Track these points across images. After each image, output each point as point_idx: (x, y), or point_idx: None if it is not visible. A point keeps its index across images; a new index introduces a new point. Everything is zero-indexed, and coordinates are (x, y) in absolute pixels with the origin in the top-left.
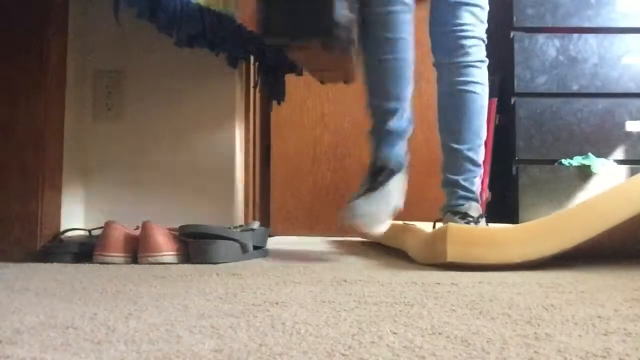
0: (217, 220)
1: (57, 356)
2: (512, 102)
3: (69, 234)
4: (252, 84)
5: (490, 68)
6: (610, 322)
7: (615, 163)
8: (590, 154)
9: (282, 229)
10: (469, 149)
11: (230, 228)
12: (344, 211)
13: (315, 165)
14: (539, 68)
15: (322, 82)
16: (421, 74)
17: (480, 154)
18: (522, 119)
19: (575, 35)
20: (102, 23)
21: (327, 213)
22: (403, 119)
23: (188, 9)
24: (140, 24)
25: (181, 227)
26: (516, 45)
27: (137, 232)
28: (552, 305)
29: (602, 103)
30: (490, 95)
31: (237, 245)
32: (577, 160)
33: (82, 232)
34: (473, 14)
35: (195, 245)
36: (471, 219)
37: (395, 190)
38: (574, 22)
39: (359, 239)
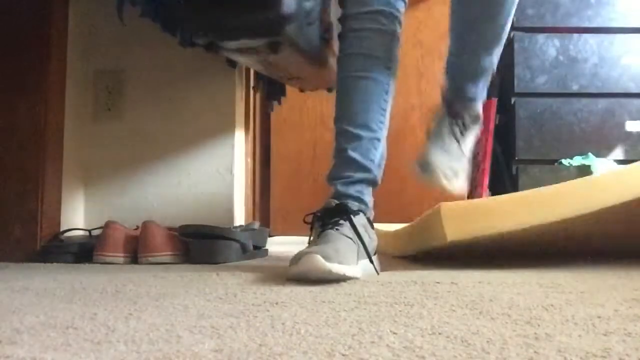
0: (217, 220)
1: (57, 356)
2: (512, 102)
3: (69, 234)
4: (252, 84)
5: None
6: (610, 322)
7: (615, 163)
8: (590, 154)
9: (282, 229)
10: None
11: (230, 228)
12: None
13: (315, 165)
14: (539, 68)
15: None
16: (422, 74)
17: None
18: (522, 119)
19: (575, 35)
20: (102, 23)
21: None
22: (369, 157)
23: None
24: (140, 24)
25: (181, 227)
26: (516, 45)
27: (137, 232)
28: (552, 305)
29: (602, 103)
30: (490, 96)
31: (237, 245)
32: (577, 160)
33: (82, 232)
34: None
35: (195, 245)
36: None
37: (350, 243)
38: (574, 22)
39: None
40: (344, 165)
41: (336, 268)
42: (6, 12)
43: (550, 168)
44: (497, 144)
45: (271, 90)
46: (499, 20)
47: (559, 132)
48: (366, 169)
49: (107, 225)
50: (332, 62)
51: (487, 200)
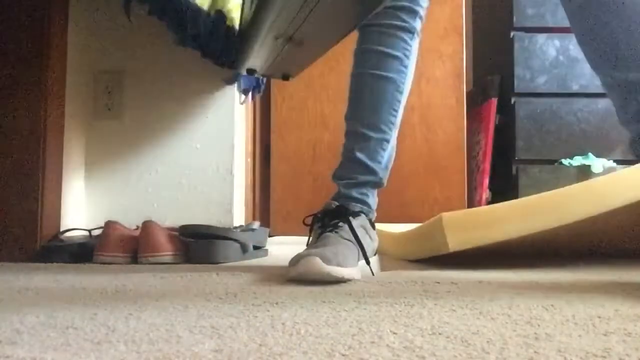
0: (217, 221)
1: (57, 356)
2: (512, 102)
3: (69, 233)
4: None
5: (490, 68)
6: (611, 322)
7: (615, 163)
8: (590, 154)
9: (282, 229)
10: None
11: (230, 228)
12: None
13: (315, 165)
14: (539, 68)
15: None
16: (422, 74)
17: None
18: (522, 119)
19: None
20: (102, 23)
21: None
22: (377, 158)
23: (191, 10)
24: (140, 24)
25: (181, 227)
26: (516, 45)
27: (137, 232)
28: (552, 305)
29: (602, 103)
30: (490, 96)
31: (237, 245)
32: (577, 160)
33: (82, 232)
34: None
35: (195, 245)
36: None
37: (349, 245)
38: None
39: None
40: (350, 166)
41: (335, 271)
42: (6, 12)
43: (550, 168)
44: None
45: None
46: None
47: (559, 132)
48: (372, 171)
49: (107, 225)
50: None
51: (487, 209)
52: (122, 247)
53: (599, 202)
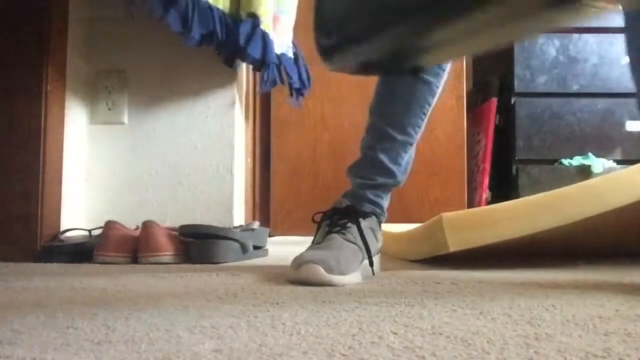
0: (217, 220)
1: (57, 356)
2: (512, 102)
3: (69, 233)
4: (252, 84)
5: (490, 68)
6: (611, 323)
7: (615, 163)
8: (590, 154)
9: (282, 229)
10: None
11: (230, 228)
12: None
13: (315, 165)
14: (539, 68)
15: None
16: None
17: None
18: (522, 119)
19: (575, 35)
20: (102, 23)
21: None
22: (398, 161)
23: (199, 7)
24: (140, 24)
25: (181, 227)
26: (516, 45)
27: (137, 232)
28: (552, 306)
29: (602, 103)
30: (490, 96)
31: (237, 245)
32: (577, 160)
33: (82, 232)
34: None
35: (195, 245)
36: None
37: (354, 249)
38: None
39: None
40: (369, 164)
41: (336, 279)
42: (6, 12)
43: (550, 168)
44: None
45: (301, 85)
46: None
47: (559, 132)
48: (391, 174)
49: (107, 225)
50: None
51: (487, 209)
52: (122, 247)
53: (599, 202)
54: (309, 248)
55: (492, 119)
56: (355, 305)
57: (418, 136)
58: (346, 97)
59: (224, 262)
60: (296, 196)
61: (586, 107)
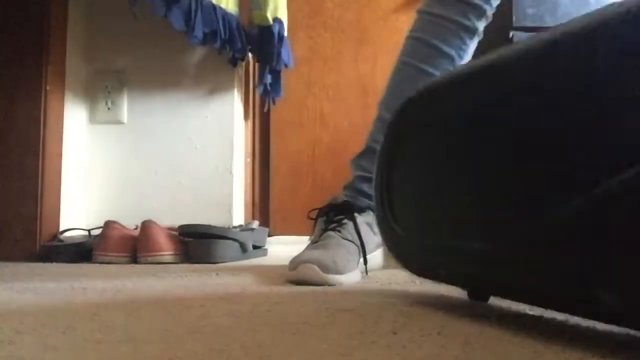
0: (217, 220)
1: (57, 356)
2: None
3: (69, 233)
4: (251, 84)
5: None
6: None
7: None
8: None
9: (282, 229)
10: None
11: (229, 228)
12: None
13: (315, 165)
14: None
15: None
16: None
17: None
18: None
19: None
20: (102, 23)
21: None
22: None
23: (202, 6)
24: (140, 24)
25: (181, 227)
26: None
27: (137, 232)
28: None
29: None
30: None
31: (237, 245)
32: None
33: (81, 232)
34: None
35: (195, 245)
36: None
37: (350, 247)
38: None
39: None
40: (370, 156)
41: (333, 279)
42: (5, 12)
43: None
44: None
45: (266, 89)
46: None
47: None
48: None
49: (106, 225)
50: None
51: None
52: (121, 247)
53: None
54: (307, 248)
55: None
56: (356, 305)
57: None
58: (346, 97)
59: (223, 262)
60: (296, 196)
61: None
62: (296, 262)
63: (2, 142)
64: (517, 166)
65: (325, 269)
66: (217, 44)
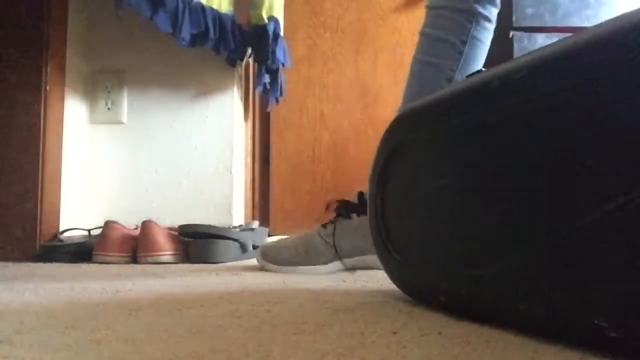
0: (217, 220)
1: (57, 356)
2: None
3: (69, 233)
4: (251, 84)
5: (489, 67)
6: None
7: None
8: None
9: (282, 229)
10: None
11: (229, 228)
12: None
13: (315, 165)
14: None
15: None
16: None
17: None
18: None
19: None
20: (101, 23)
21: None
22: None
23: (190, 8)
24: (140, 24)
25: (181, 227)
26: (515, 45)
27: (137, 232)
28: None
29: None
30: None
31: (237, 244)
32: None
33: (81, 232)
34: None
35: (195, 245)
36: None
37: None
38: (574, 22)
39: None
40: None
41: (267, 266)
42: (5, 12)
43: None
44: None
45: (267, 89)
46: None
47: None
48: None
49: (106, 225)
50: None
51: None
52: (121, 247)
53: None
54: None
55: None
56: (355, 305)
57: None
58: (345, 97)
59: (223, 262)
60: (296, 196)
61: None
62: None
63: (2, 142)
64: (513, 190)
65: (265, 256)
66: (208, 45)
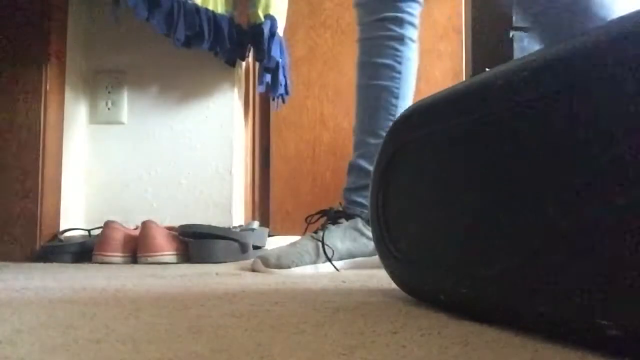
0: (217, 220)
1: (57, 356)
2: None
3: (68, 233)
4: (251, 84)
5: (489, 67)
6: None
7: None
8: None
9: (282, 229)
10: None
11: (229, 228)
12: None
13: (315, 165)
14: None
15: None
16: (421, 74)
17: None
18: None
19: None
20: (101, 23)
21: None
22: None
23: (185, 9)
24: (139, 24)
25: (181, 227)
26: (516, 45)
27: (137, 232)
28: None
29: None
30: None
31: (237, 245)
32: None
33: (81, 232)
34: None
35: (195, 245)
36: None
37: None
38: None
39: None
40: (351, 172)
41: (273, 272)
42: (5, 12)
43: None
44: None
45: (269, 88)
46: None
47: None
48: (370, 174)
49: (106, 225)
50: None
51: None
52: (121, 247)
53: None
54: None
55: None
56: (355, 305)
57: None
58: (345, 97)
59: (223, 262)
60: (296, 196)
61: None
62: (256, 256)
63: (2, 142)
64: (515, 190)
65: (267, 263)
66: (204, 46)
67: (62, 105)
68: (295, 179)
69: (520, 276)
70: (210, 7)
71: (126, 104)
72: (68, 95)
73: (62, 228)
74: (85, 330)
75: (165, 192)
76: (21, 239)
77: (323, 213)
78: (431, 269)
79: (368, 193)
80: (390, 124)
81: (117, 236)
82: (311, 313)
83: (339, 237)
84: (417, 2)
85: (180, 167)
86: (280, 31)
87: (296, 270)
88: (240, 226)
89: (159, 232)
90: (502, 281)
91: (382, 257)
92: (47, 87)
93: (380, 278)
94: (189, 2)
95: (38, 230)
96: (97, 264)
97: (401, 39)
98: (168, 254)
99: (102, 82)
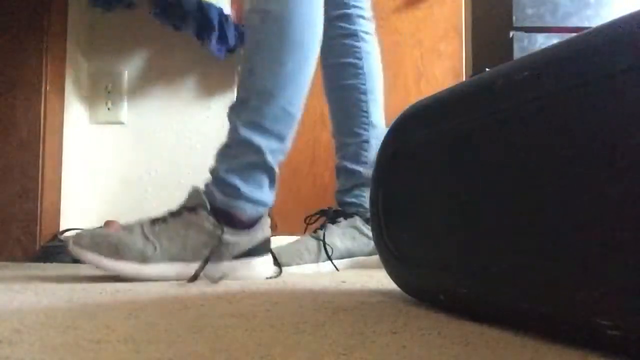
0: None
1: (57, 356)
2: None
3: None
4: None
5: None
6: None
7: None
8: None
9: (282, 229)
10: None
11: None
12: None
13: (315, 165)
14: None
15: None
16: (421, 74)
17: None
18: None
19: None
20: (102, 23)
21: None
22: (360, 160)
23: None
24: (139, 24)
25: None
26: (516, 45)
27: None
28: None
29: None
30: None
31: None
32: None
33: None
34: None
35: None
36: None
37: (308, 245)
38: (574, 22)
39: None
40: (339, 175)
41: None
42: (5, 12)
43: None
44: None
45: None
46: None
47: None
48: (357, 173)
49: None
50: None
51: None
52: None
53: None
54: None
55: None
56: (355, 305)
57: (372, 131)
58: None
59: None
60: (296, 196)
61: None
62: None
63: (3, 142)
64: (515, 190)
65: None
66: (188, 30)
67: (62, 106)
68: (295, 179)
69: (520, 276)
70: None
71: (126, 103)
72: (68, 95)
73: (62, 228)
74: (85, 330)
75: (165, 192)
76: (21, 239)
77: (322, 213)
78: (431, 269)
79: (360, 192)
80: (365, 119)
81: None
82: (311, 313)
83: (338, 236)
84: None
85: (181, 167)
86: None
87: (296, 269)
88: None
89: None
90: (501, 281)
91: (382, 257)
92: (47, 87)
93: (380, 278)
94: None
95: (38, 230)
96: None
97: (355, 35)
98: None
99: (102, 82)
